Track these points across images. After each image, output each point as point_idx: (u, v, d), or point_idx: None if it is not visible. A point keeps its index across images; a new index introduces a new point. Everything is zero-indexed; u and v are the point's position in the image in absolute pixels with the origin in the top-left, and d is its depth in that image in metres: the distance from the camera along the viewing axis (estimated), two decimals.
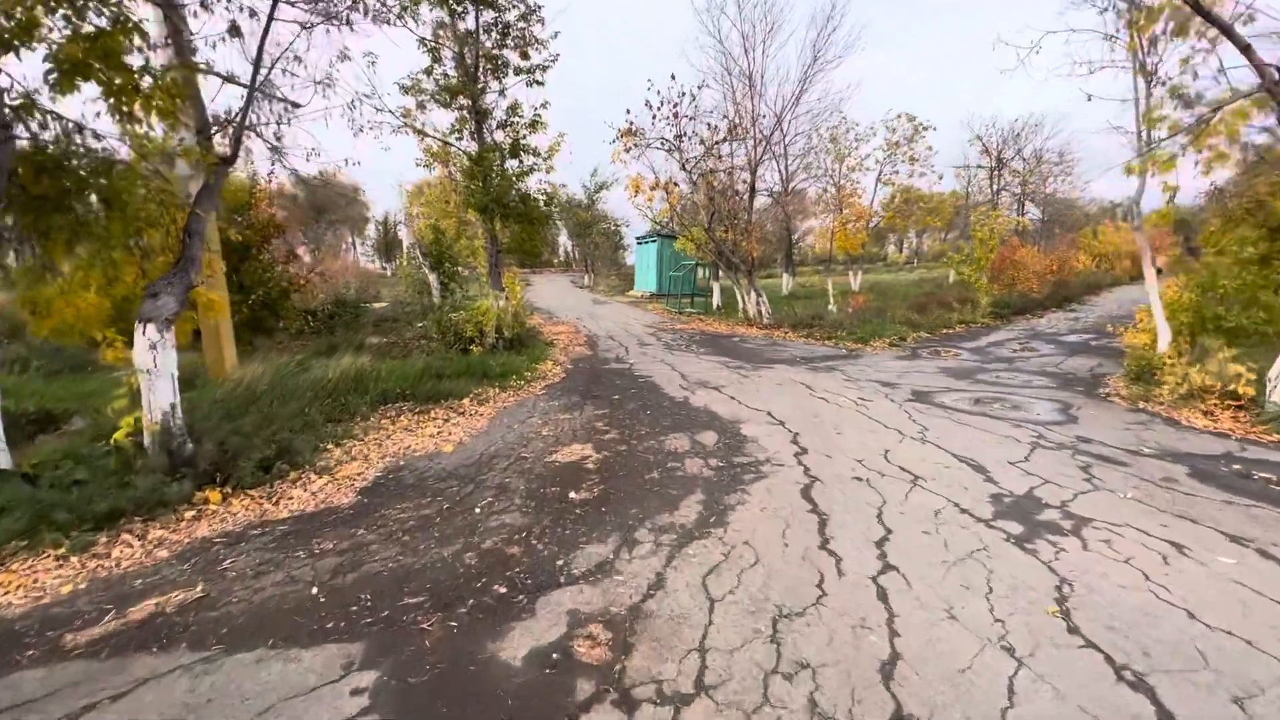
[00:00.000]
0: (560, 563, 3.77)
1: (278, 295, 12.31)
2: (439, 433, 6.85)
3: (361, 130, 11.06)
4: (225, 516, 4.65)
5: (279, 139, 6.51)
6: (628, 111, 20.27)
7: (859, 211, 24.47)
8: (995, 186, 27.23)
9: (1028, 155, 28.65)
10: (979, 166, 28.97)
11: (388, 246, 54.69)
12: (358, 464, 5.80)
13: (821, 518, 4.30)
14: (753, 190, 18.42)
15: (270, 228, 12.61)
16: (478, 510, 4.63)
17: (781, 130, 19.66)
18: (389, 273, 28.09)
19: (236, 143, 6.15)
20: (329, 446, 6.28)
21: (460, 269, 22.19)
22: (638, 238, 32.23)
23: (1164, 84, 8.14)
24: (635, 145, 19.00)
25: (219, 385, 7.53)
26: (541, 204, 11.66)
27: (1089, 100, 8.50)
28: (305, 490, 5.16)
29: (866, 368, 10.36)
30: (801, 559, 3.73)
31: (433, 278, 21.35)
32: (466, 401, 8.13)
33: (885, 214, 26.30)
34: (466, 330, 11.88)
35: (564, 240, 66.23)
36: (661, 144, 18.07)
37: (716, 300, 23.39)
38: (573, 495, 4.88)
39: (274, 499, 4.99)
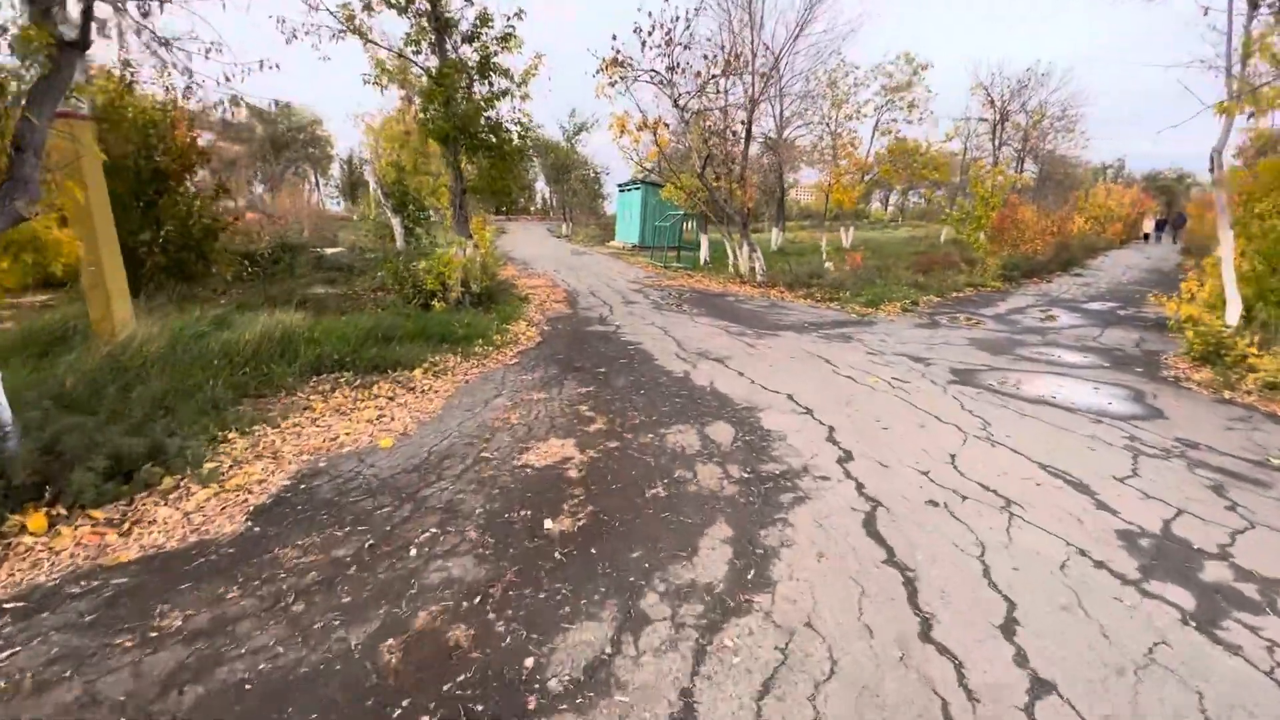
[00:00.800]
0: (530, 663, 2.42)
1: (201, 235, 10.40)
2: (379, 417, 5.36)
3: (294, 35, 9.08)
4: (42, 558, 3.17)
5: (145, 15, 4.69)
6: (614, 38, 18.03)
7: (857, 163, 22.81)
8: (998, 141, 25.73)
9: (1031, 109, 27.10)
10: (980, 119, 27.36)
11: (353, 187, 51.18)
12: (262, 465, 4.32)
13: (906, 576, 3.01)
14: (749, 133, 16.62)
15: (191, 155, 10.56)
16: (413, 551, 3.23)
17: (778, 70, 17.74)
18: (356, 216, 25.80)
19: (86, 18, 4.35)
20: (230, 435, 4.77)
21: (429, 213, 20.14)
22: (620, 185, 30.13)
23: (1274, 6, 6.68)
24: (622, 78, 16.89)
25: (100, 349, 5.89)
26: (515, 136, 9.84)
27: (1205, 14, 6.98)
28: (177, 509, 3.69)
29: (886, 337, 9.07)
30: (900, 663, 2.43)
31: (396, 221, 19.29)
32: (419, 373, 6.60)
33: (881, 167, 24.69)
34: (427, 282, 10.22)
35: (541, 186, 63.14)
36: (651, 77, 16.04)
37: (704, 255, 21.80)
38: (549, 525, 3.51)
39: (126, 524, 3.51)
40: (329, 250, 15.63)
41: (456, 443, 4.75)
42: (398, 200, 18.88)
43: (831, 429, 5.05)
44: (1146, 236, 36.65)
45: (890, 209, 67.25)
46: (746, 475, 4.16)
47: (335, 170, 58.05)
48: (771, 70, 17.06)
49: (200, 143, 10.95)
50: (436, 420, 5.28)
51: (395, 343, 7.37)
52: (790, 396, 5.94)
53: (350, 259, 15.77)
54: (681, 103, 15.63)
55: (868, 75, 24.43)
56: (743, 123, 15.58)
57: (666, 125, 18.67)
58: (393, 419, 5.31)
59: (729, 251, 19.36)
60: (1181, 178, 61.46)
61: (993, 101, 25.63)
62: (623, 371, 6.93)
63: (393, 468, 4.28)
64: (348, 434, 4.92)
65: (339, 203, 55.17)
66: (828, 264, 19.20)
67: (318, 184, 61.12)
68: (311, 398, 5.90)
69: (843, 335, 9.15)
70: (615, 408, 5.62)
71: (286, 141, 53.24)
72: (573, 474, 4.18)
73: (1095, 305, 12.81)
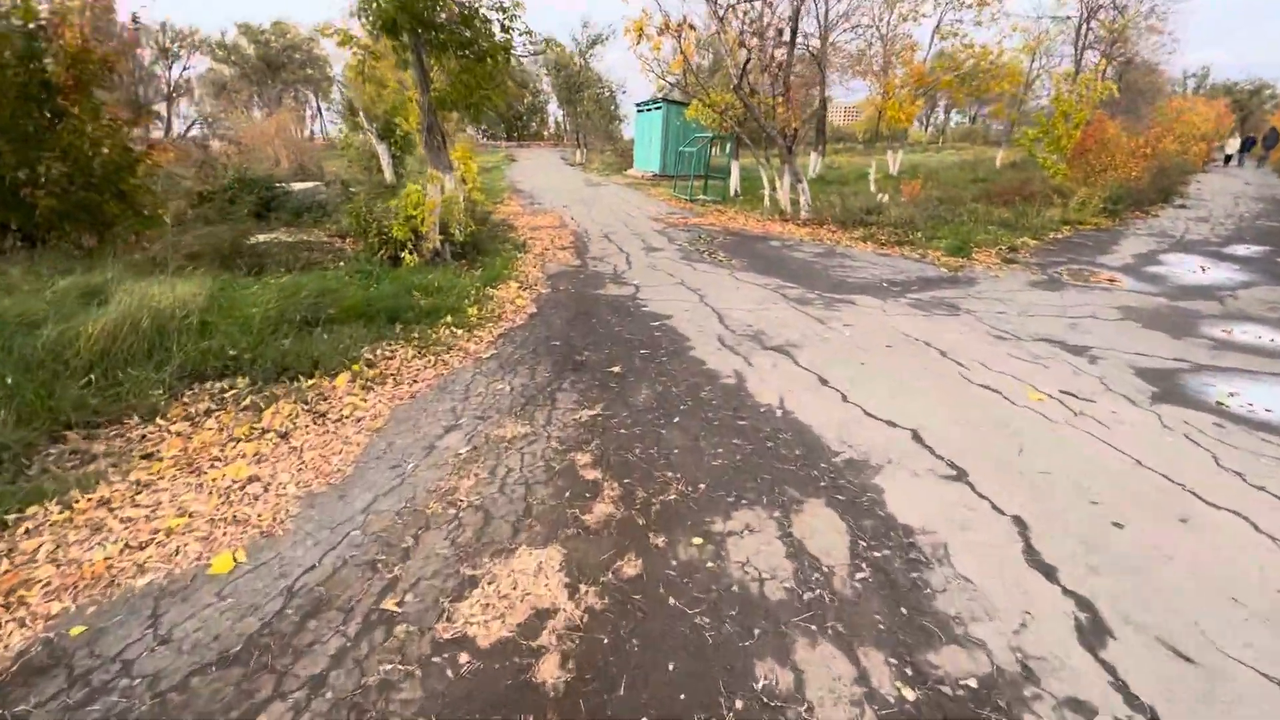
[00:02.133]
0: None
1: (108, 170, 8.05)
2: (248, 482, 3.22)
3: None
4: None
5: None
6: None
7: (916, 73, 19.15)
8: (1081, 44, 21.57)
9: (1121, 4, 22.64)
10: (1058, 18, 22.96)
11: (353, 112, 47.51)
12: None
13: None
14: (794, 32, 13.37)
15: (88, 64, 8.04)
16: None
17: None
18: (339, 145, 22.91)
19: None
20: None
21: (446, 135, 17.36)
22: (638, 105, 26.59)
23: None
24: None
25: None
26: (496, 27, 7.12)
27: None
28: None
29: (1003, 306, 6.59)
30: None
31: (381, 149, 16.64)
32: (343, 382, 4.39)
33: (944, 78, 20.89)
34: (394, 230, 7.87)
35: (554, 110, 58.40)
36: None
37: (735, 184, 18.83)
38: None
39: None
40: (299, 185, 13.18)
41: (350, 561, 2.59)
42: (382, 125, 16.14)
43: (1024, 529, 2.78)
44: (1229, 159, 32.06)
45: (929, 130, 61.35)
46: (907, 690, 1.97)
47: (336, 94, 54.05)
48: None
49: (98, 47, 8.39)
50: (336, 492, 3.12)
51: (322, 327, 5.15)
52: (916, 434, 3.64)
53: (326, 195, 13.32)
54: None
55: None
56: (788, 19, 12.35)
57: (693, 28, 15.40)
58: (268, 486, 3.17)
59: (765, 182, 16.46)
60: (1258, 90, 54.55)
61: None
62: (646, 372, 4.67)
63: (200, 646, 2.16)
64: (176, 529, 2.80)
65: (340, 130, 51.47)
66: (881, 195, 16.30)
67: (319, 109, 57.25)
68: (173, 427, 3.77)
69: (941, 302, 6.68)
70: (635, 458, 3.41)
71: (281, 63, 49.17)
72: (548, 679, 2.02)
73: (1240, 250, 9.98)
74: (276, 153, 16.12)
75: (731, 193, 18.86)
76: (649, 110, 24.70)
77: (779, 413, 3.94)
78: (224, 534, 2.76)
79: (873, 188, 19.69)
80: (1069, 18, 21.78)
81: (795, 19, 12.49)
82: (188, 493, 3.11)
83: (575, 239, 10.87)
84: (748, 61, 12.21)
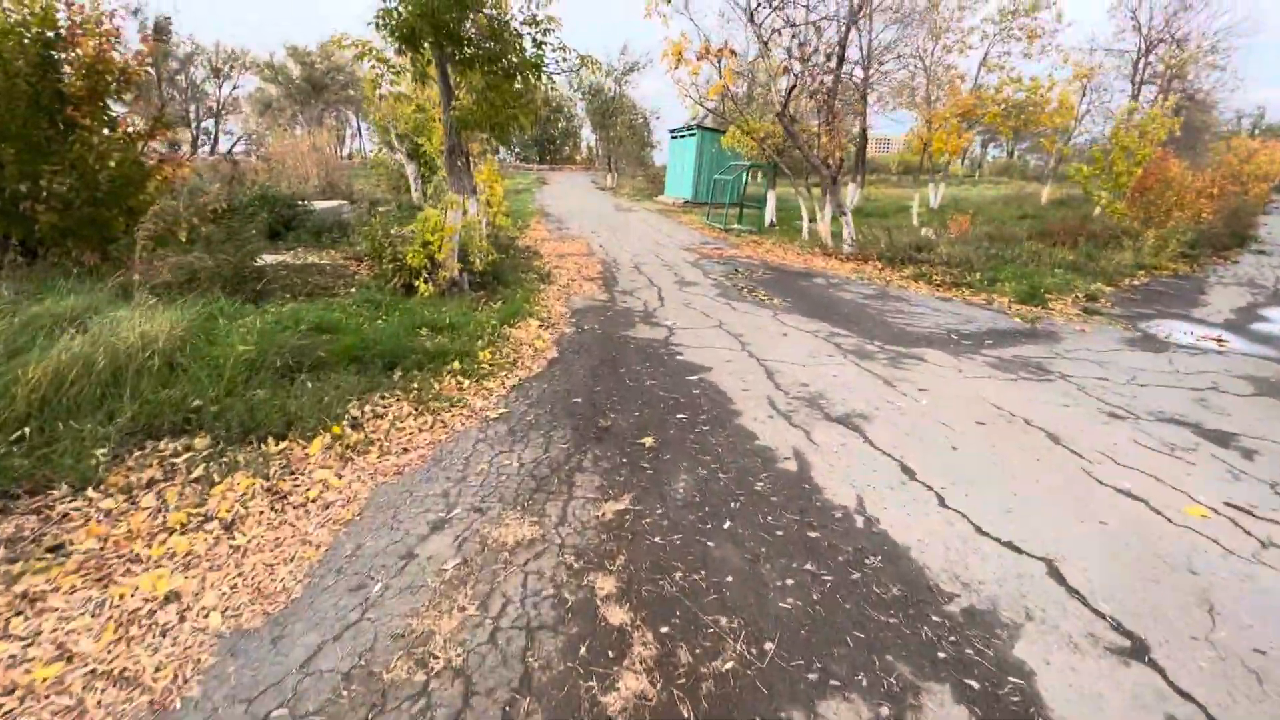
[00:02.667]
0: None
1: (116, 185, 7.57)
2: (158, 609, 2.41)
3: None
4: None
5: None
6: None
7: (965, 104, 18.26)
8: (1139, 78, 20.49)
9: (1180, 36, 21.54)
10: (1114, 51, 21.91)
11: (385, 131, 48.25)
12: None
13: None
14: (842, 58, 12.64)
15: (104, 74, 7.64)
16: None
17: None
18: (369, 163, 22.79)
19: None
20: None
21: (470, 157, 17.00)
22: (672, 131, 26.15)
23: None
24: None
25: None
26: (528, 42, 6.47)
27: None
28: None
29: (1102, 370, 5.58)
30: None
31: (411, 168, 16.29)
32: (317, 449, 3.61)
33: (990, 110, 19.94)
34: (409, 257, 7.22)
35: (587, 134, 58.75)
36: None
37: (771, 214, 18.05)
38: None
39: None
40: (323, 204, 12.76)
41: None
42: (410, 143, 15.79)
43: None
44: None
45: (965, 163, 60.05)
46: None
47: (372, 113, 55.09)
48: None
49: (120, 57, 8.01)
50: (272, 630, 2.29)
51: (308, 373, 4.41)
52: (1053, 569, 2.69)
53: (351, 215, 12.88)
54: (759, 15, 11.76)
55: None
56: (836, 44, 11.63)
57: (733, 53, 14.82)
58: (186, 612, 2.36)
59: (804, 212, 15.65)
60: None
61: (1138, 25, 20.27)
62: (684, 447, 3.80)
63: None
64: (37, 690, 2.00)
65: (378, 149, 52.26)
66: (926, 230, 15.36)
67: (359, 128, 58.48)
68: (104, 503, 3.02)
69: (1026, 362, 5.71)
70: (675, 587, 2.52)
71: (324, 84, 50.40)
72: None
73: None
74: (306, 170, 15.85)
75: (767, 223, 18.09)
76: (683, 137, 24.21)
77: (860, 522, 3.03)
78: (98, 703, 1.95)
79: (915, 221, 18.75)
80: (1125, 52, 20.74)
81: (843, 44, 11.74)
82: (81, 617, 2.32)
83: (603, 270, 10.14)
84: (793, 87, 11.49)
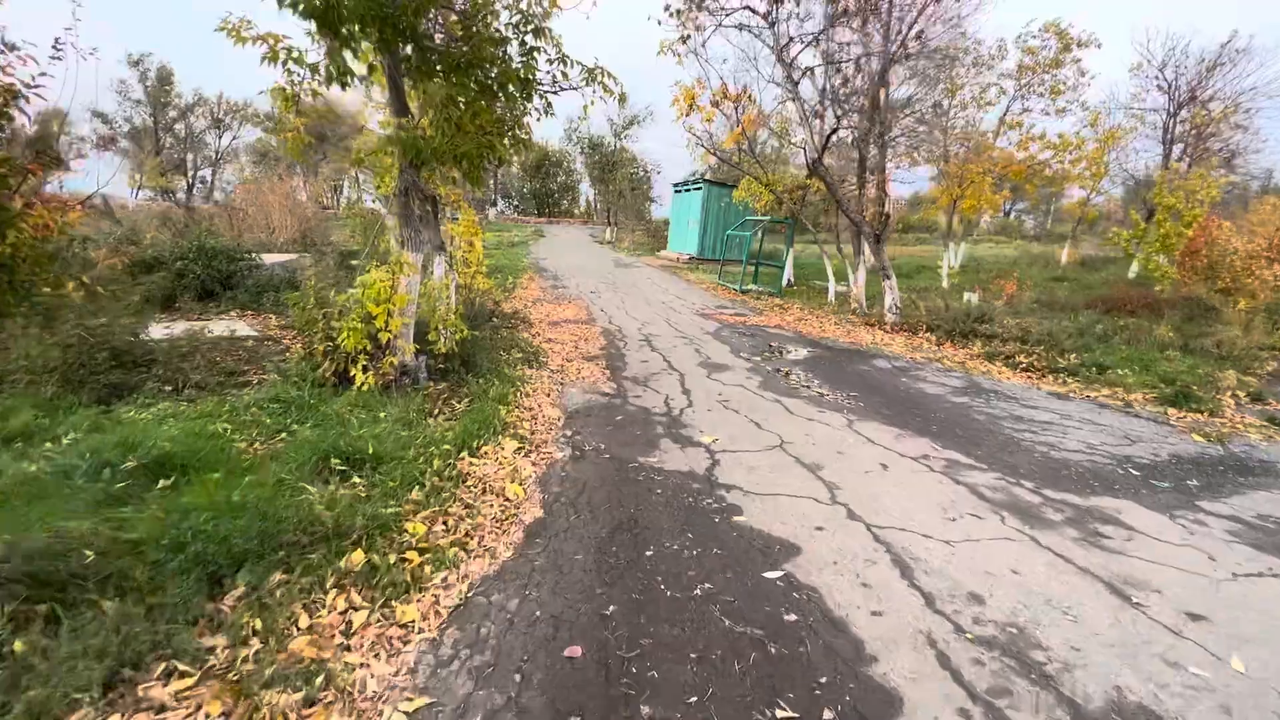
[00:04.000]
0: None
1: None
2: None
3: None
4: None
5: None
6: None
7: (1003, 160, 16.81)
8: (1169, 136, 19.34)
9: (1206, 97, 20.50)
10: (1134, 110, 20.82)
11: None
12: None
13: None
14: (882, 102, 11.01)
15: None
16: None
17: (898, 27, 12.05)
18: (342, 212, 20.80)
19: None
20: None
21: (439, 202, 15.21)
22: (675, 185, 24.80)
23: None
24: (697, 28, 11.60)
25: None
26: (514, 48, 4.53)
27: None
28: None
29: None
30: None
31: (391, 222, 14.41)
32: None
33: (1014, 167, 18.59)
34: (343, 337, 5.10)
35: (585, 189, 58.32)
36: (743, 23, 10.67)
37: (788, 274, 16.25)
38: None
39: None
40: (275, 257, 10.78)
41: None
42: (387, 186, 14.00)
43: None
44: None
45: (959, 222, 59.66)
46: None
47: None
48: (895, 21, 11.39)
49: None
50: None
51: (71, 606, 2.18)
52: None
53: (315, 270, 10.84)
54: (789, 54, 10.16)
55: (994, 51, 18.42)
56: (878, 80, 9.99)
57: (751, 98, 13.31)
58: None
59: (828, 273, 13.81)
60: None
61: (1166, 85, 19.21)
62: None
63: None
64: None
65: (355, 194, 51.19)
66: (969, 295, 13.51)
67: (356, 178, 57.81)
68: None
69: (1266, 523, 3.58)
70: None
71: (325, 134, 49.83)
72: None
73: None
74: (271, 219, 13.97)
75: (784, 282, 16.27)
76: (687, 190, 22.78)
77: None
78: None
79: (945, 283, 17.01)
80: (1154, 110, 19.62)
81: (884, 77, 10.05)
82: None
83: (607, 344, 8.06)
84: (833, 131, 9.77)
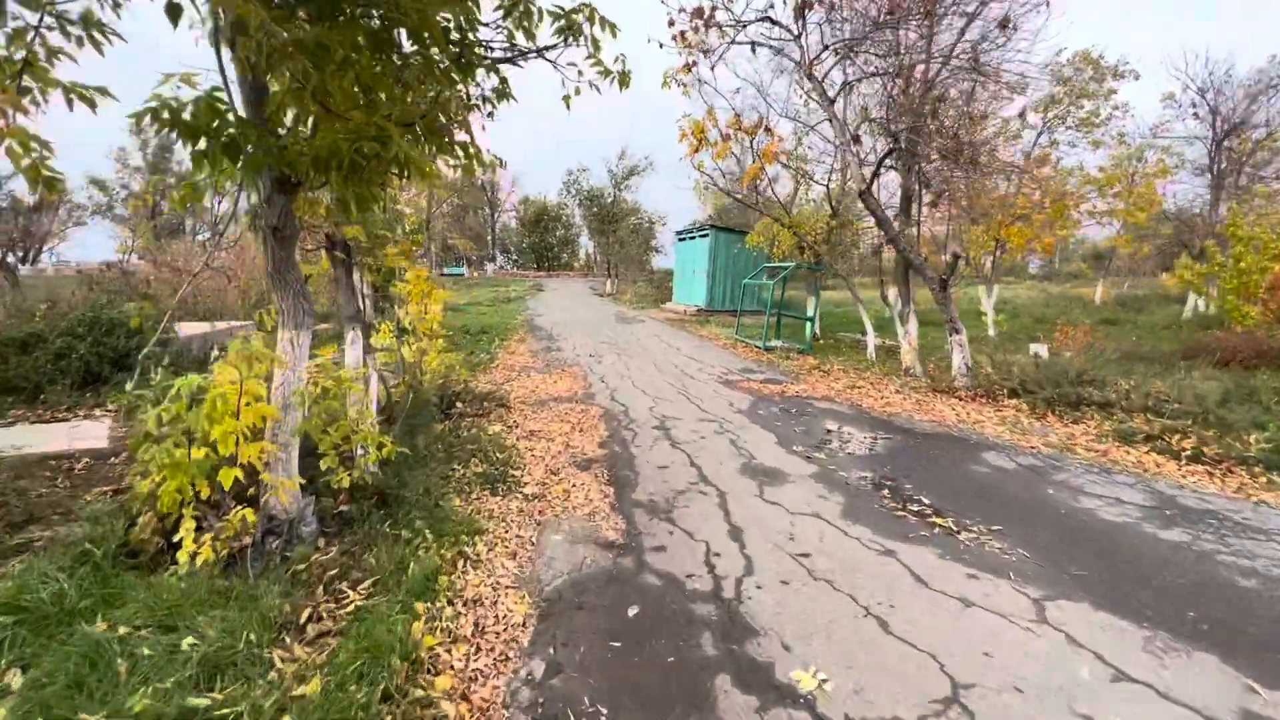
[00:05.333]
0: None
1: None
2: None
3: None
4: None
5: None
6: None
7: (1051, 194, 14.99)
8: (1216, 168, 17.68)
9: (1247, 124, 18.95)
10: (1169, 139, 19.22)
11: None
12: None
13: None
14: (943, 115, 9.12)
15: None
16: None
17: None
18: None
19: None
20: None
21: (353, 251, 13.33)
22: (679, 233, 23.16)
23: None
24: (705, 51, 9.96)
25: None
26: None
27: None
28: None
29: None
30: None
31: (358, 278, 12.50)
32: None
33: (1055, 204, 16.82)
34: (164, 479, 2.93)
35: (585, 242, 57.48)
36: (759, 39, 8.97)
37: (813, 328, 14.17)
38: None
39: None
40: (196, 329, 8.74)
41: None
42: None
43: None
44: None
45: (961, 263, 58.27)
46: None
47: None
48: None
49: None
50: None
51: None
52: None
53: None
54: (819, 69, 8.36)
55: (1016, 81, 16.93)
56: (938, 99, 8.13)
57: (770, 130, 11.59)
58: None
59: (866, 326, 11.72)
60: None
61: (1210, 113, 17.65)
62: None
63: None
64: None
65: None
66: (1036, 347, 11.36)
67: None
68: None
69: None
70: None
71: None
72: None
73: None
74: (230, 281, 12.03)
75: (813, 337, 14.18)
76: (693, 238, 21.06)
77: None
78: None
79: (992, 331, 14.91)
80: (1194, 139, 18.02)
81: (938, 92, 8.17)
82: None
83: (609, 435, 5.86)
84: (889, 154, 7.85)
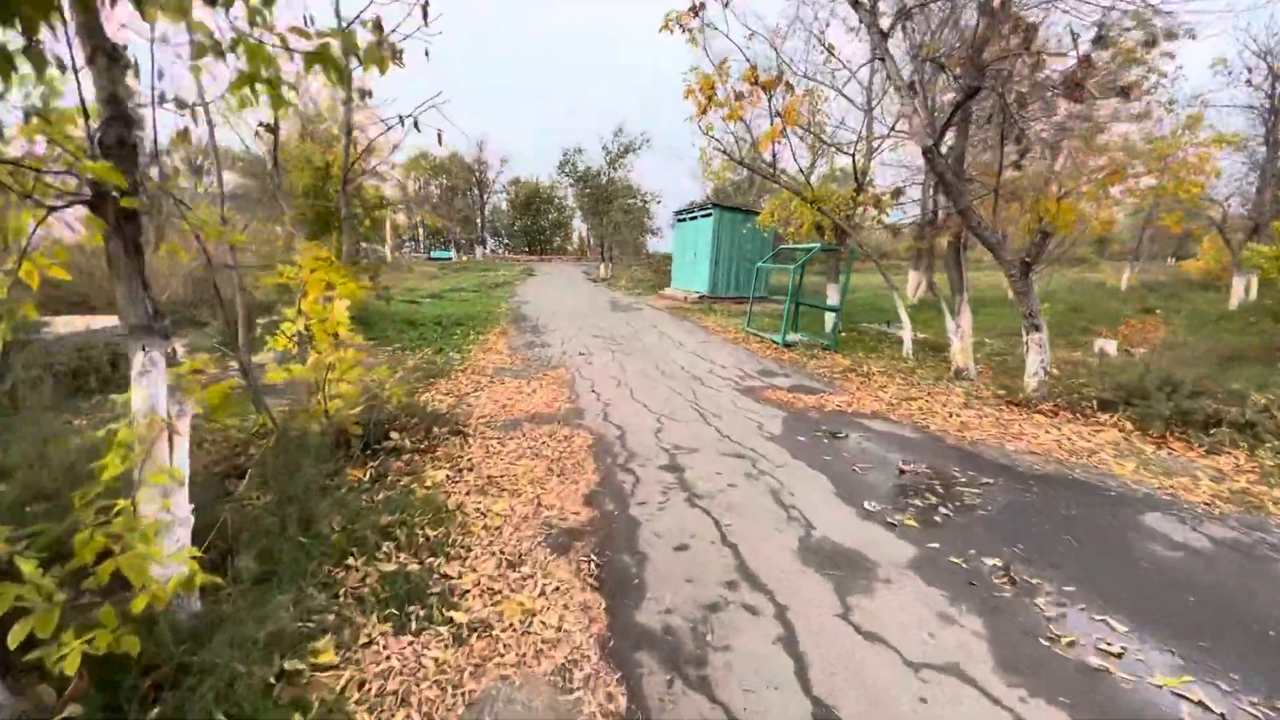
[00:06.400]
0: None
1: None
2: None
3: None
4: None
5: None
6: None
7: (1115, 164, 13.18)
8: (1274, 137, 15.91)
9: None
10: (1242, 107, 17.28)
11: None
12: None
13: None
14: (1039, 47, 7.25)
15: None
16: None
17: None
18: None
19: None
20: None
21: (367, 240, 11.45)
22: (678, 213, 21.26)
23: None
24: None
25: None
26: None
27: None
28: None
29: None
30: None
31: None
32: None
33: (1106, 174, 15.04)
34: None
35: (579, 225, 55.24)
36: None
37: (833, 317, 12.43)
38: None
39: None
40: (74, 327, 6.89)
41: None
42: (313, 228, 10.27)
43: None
44: None
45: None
46: None
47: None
48: None
49: None
50: None
51: None
52: None
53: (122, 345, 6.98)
54: None
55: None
56: (1030, 27, 6.25)
57: (791, 86, 9.74)
58: None
59: (902, 317, 9.99)
60: None
61: (1269, 78, 15.80)
62: None
63: None
64: None
65: (368, 244, 47.56)
66: (1103, 343, 9.74)
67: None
68: None
69: None
70: None
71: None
72: None
73: None
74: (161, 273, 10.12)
75: (835, 331, 12.44)
76: (694, 218, 19.18)
77: None
78: None
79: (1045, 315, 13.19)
80: (1253, 107, 16.20)
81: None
82: None
83: (600, 483, 4.11)
84: (968, 97, 6.00)
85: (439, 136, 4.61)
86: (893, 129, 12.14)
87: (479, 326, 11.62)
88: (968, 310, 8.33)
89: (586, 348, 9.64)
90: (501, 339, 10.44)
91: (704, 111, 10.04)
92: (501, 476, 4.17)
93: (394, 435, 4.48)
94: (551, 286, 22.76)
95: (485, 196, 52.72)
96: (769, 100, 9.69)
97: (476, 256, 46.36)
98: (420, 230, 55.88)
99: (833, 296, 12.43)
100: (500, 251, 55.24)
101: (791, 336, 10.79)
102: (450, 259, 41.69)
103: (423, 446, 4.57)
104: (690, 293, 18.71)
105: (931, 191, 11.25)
